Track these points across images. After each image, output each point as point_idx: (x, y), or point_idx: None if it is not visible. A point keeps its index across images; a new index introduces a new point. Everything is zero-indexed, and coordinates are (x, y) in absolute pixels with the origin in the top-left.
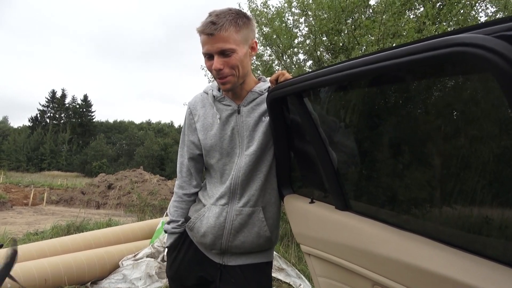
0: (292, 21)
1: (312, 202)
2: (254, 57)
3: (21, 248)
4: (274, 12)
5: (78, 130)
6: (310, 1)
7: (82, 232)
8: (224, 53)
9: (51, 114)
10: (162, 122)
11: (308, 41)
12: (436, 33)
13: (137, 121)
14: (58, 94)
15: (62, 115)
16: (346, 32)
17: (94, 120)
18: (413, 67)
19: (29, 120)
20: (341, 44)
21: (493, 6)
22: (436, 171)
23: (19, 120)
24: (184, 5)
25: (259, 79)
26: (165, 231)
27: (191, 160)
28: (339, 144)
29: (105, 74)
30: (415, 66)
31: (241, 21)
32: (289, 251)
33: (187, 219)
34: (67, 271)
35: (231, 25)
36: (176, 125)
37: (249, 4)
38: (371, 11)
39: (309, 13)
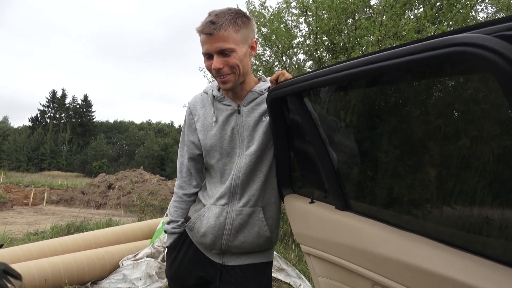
0: (291, 22)
1: (312, 202)
2: (254, 58)
3: (21, 248)
4: (272, 13)
5: (78, 130)
6: (310, 1)
7: (82, 232)
8: (223, 53)
9: (52, 114)
10: (162, 122)
11: (308, 41)
12: (436, 33)
13: (137, 121)
14: (59, 94)
15: (63, 115)
16: (346, 32)
17: (94, 120)
18: (413, 67)
19: (29, 120)
20: (341, 44)
21: (493, 7)
22: (436, 171)
23: (20, 120)
24: (184, 5)
25: (259, 79)
26: (165, 231)
27: (191, 160)
28: (339, 144)
29: (105, 74)
30: (415, 66)
31: (241, 20)
32: (289, 251)
33: (187, 219)
34: (67, 271)
35: (231, 24)
36: (176, 125)
37: (247, 6)
38: (371, 11)
39: (309, 13)
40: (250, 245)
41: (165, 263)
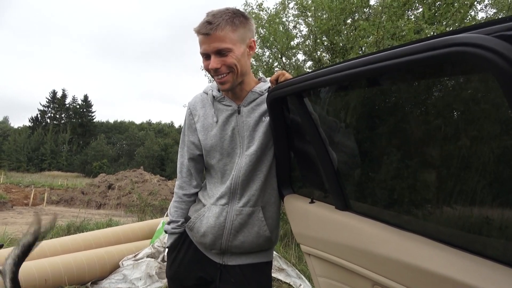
0: (288, 23)
1: (312, 202)
2: (253, 59)
3: None
4: (270, 15)
5: (78, 130)
6: (310, 2)
7: (83, 232)
8: (220, 53)
9: (52, 114)
10: (163, 122)
11: (308, 42)
12: (434, 33)
13: (138, 121)
14: (59, 94)
15: (63, 115)
16: (346, 33)
17: (94, 120)
18: (413, 67)
19: (29, 120)
20: (341, 44)
21: (493, 7)
22: (436, 171)
23: (20, 120)
24: (184, 5)
25: (260, 80)
26: (165, 232)
27: (191, 161)
28: (339, 144)
29: (106, 74)
30: (415, 66)
31: (238, 20)
32: (289, 251)
33: (187, 219)
34: (67, 271)
35: (227, 24)
36: (176, 125)
37: (244, 8)
38: (370, 12)
39: (308, 13)
40: (250, 245)
41: (165, 263)
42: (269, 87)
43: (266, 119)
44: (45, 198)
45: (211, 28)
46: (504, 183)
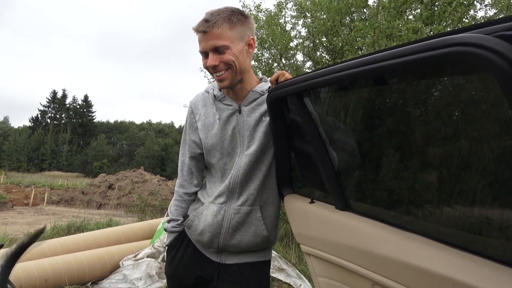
0: (285, 24)
1: (312, 202)
2: (253, 59)
3: None
4: (268, 16)
5: (78, 130)
6: (308, 3)
7: (83, 232)
8: (218, 50)
9: (52, 114)
10: (163, 122)
11: (307, 42)
12: (431, 34)
13: (138, 121)
14: (59, 95)
15: (63, 115)
16: (345, 33)
17: (94, 120)
18: (412, 67)
19: (29, 120)
20: (340, 45)
21: (494, 8)
22: (436, 171)
23: (20, 120)
24: (184, 5)
25: (261, 79)
26: (165, 230)
27: (192, 159)
28: (339, 144)
29: (106, 74)
30: (415, 66)
31: (236, 18)
32: (290, 251)
33: (185, 217)
34: (68, 271)
35: (224, 22)
36: (176, 125)
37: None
38: (367, 12)
39: (307, 14)
40: (247, 244)
41: (165, 263)
42: (269, 87)
43: (267, 119)
44: (45, 198)
45: (208, 26)
46: (504, 183)
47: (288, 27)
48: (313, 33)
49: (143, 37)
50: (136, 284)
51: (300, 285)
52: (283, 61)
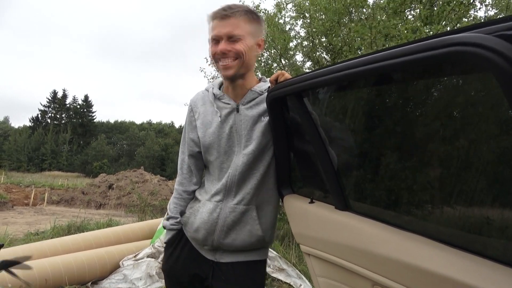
0: (286, 24)
1: (312, 202)
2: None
3: (22, 248)
4: (268, 17)
5: (79, 130)
6: (307, 4)
7: (83, 232)
8: (232, 38)
9: (52, 114)
10: (163, 122)
11: (306, 43)
12: (430, 33)
13: (138, 121)
14: (59, 95)
15: (63, 115)
16: (345, 33)
17: (94, 120)
18: (412, 67)
19: (30, 120)
20: (339, 45)
21: (494, 8)
22: (435, 171)
23: (20, 120)
24: (184, 5)
25: (260, 80)
26: (164, 227)
27: (191, 157)
28: (339, 144)
29: (106, 74)
30: (415, 66)
31: (252, 16)
32: (290, 252)
33: (182, 213)
34: (68, 271)
35: (244, 14)
36: (176, 125)
37: None
38: (365, 11)
39: (307, 14)
40: (241, 243)
41: (163, 259)
42: (269, 87)
43: (265, 119)
44: (46, 198)
45: (227, 14)
46: (504, 183)
47: (287, 27)
48: (312, 34)
49: (143, 37)
50: (136, 284)
51: (300, 285)
52: (283, 61)
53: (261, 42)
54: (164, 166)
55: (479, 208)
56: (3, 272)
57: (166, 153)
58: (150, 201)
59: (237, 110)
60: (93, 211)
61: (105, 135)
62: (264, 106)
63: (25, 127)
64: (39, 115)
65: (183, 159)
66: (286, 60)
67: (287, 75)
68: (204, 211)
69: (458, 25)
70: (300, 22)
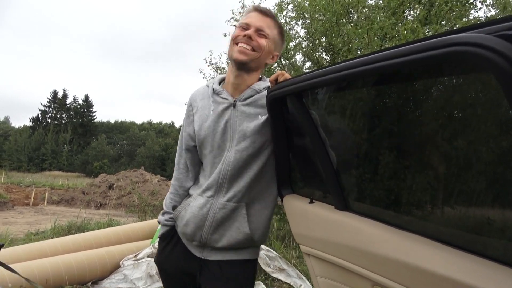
0: (287, 24)
1: (311, 202)
2: None
3: (22, 248)
4: None
5: (79, 130)
6: (306, 4)
7: (83, 232)
8: (261, 32)
9: (52, 114)
10: (163, 122)
11: (306, 43)
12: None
13: (138, 121)
14: (60, 95)
15: (63, 115)
16: (340, 36)
17: (95, 120)
18: (413, 66)
19: (30, 120)
20: (339, 45)
21: (494, 8)
22: (435, 171)
23: (20, 120)
24: (185, 6)
25: (260, 78)
26: (158, 222)
27: (187, 152)
28: (339, 144)
29: (106, 74)
30: (415, 65)
31: (282, 31)
32: (290, 252)
33: (174, 207)
34: (68, 271)
35: (277, 24)
36: (177, 125)
37: (241, 11)
38: (364, 13)
39: (306, 15)
40: (228, 239)
41: (156, 252)
42: (269, 87)
43: (263, 117)
44: (46, 198)
45: (268, 14)
46: (504, 183)
47: (287, 27)
48: (312, 34)
49: (143, 37)
50: (137, 284)
51: (301, 285)
52: (283, 61)
53: (276, 56)
54: (164, 166)
55: (478, 208)
56: (4, 271)
57: (166, 153)
58: (150, 201)
59: (234, 105)
60: (93, 211)
61: (105, 135)
62: (262, 104)
63: (25, 127)
64: (40, 115)
65: (180, 153)
66: (286, 60)
67: (287, 75)
68: (195, 205)
69: (456, 25)
70: (299, 22)
